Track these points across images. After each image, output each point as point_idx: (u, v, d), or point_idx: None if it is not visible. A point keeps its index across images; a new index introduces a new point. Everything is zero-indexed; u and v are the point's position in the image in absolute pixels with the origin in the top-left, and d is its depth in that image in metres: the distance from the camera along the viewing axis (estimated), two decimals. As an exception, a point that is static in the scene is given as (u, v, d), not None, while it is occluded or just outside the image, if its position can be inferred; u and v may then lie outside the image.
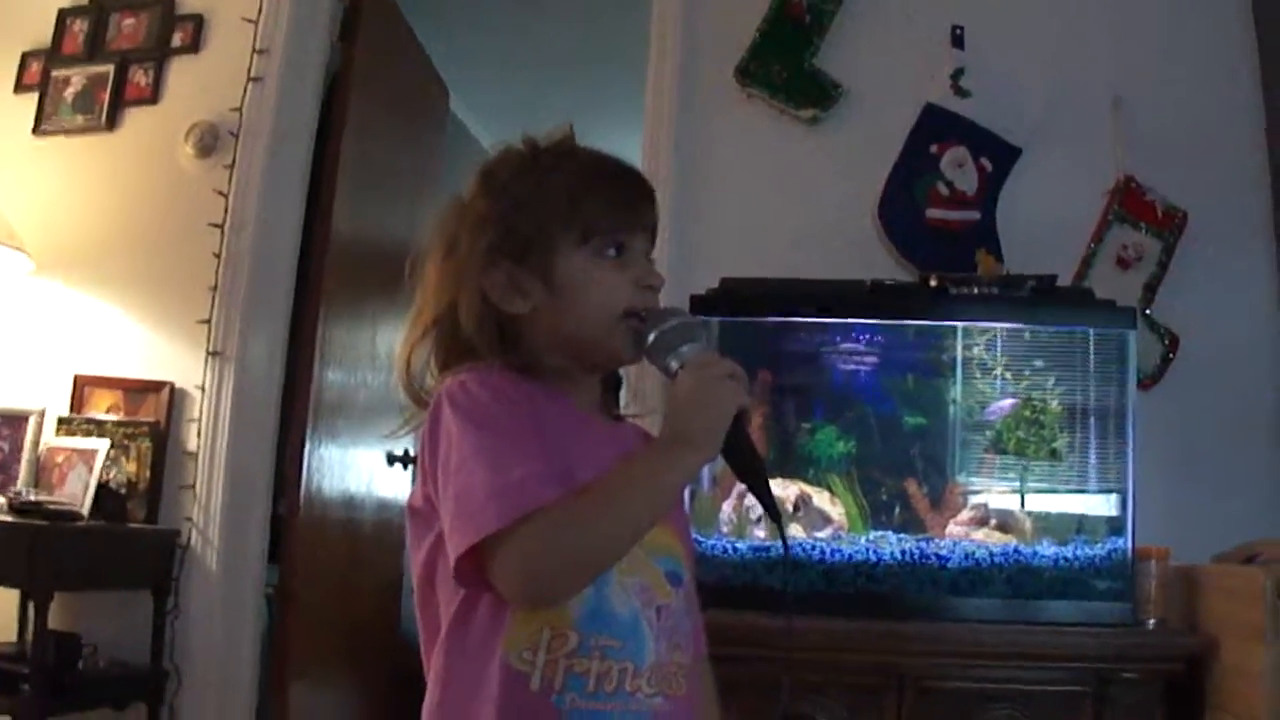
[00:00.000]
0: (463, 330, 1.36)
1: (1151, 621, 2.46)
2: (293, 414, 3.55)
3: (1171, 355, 2.91)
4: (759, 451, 1.34)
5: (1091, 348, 2.61)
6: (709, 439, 1.26)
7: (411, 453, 4.07)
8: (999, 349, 2.64)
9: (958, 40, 3.10)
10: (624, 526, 1.24)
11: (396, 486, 4.12)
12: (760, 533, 2.59)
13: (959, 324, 2.65)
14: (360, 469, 3.93)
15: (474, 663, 1.27)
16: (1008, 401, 2.62)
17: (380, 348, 3.99)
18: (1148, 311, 2.93)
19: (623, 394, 1.52)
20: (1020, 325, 2.63)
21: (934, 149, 3.05)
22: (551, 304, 1.36)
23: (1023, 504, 2.62)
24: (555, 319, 1.36)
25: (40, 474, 3.30)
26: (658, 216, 1.44)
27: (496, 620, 1.26)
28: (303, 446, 3.51)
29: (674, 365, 1.32)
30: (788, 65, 3.19)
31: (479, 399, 1.29)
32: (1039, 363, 2.63)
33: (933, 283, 2.68)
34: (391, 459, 4.05)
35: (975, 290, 2.65)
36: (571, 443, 1.32)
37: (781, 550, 1.45)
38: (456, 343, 1.38)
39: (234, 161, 3.52)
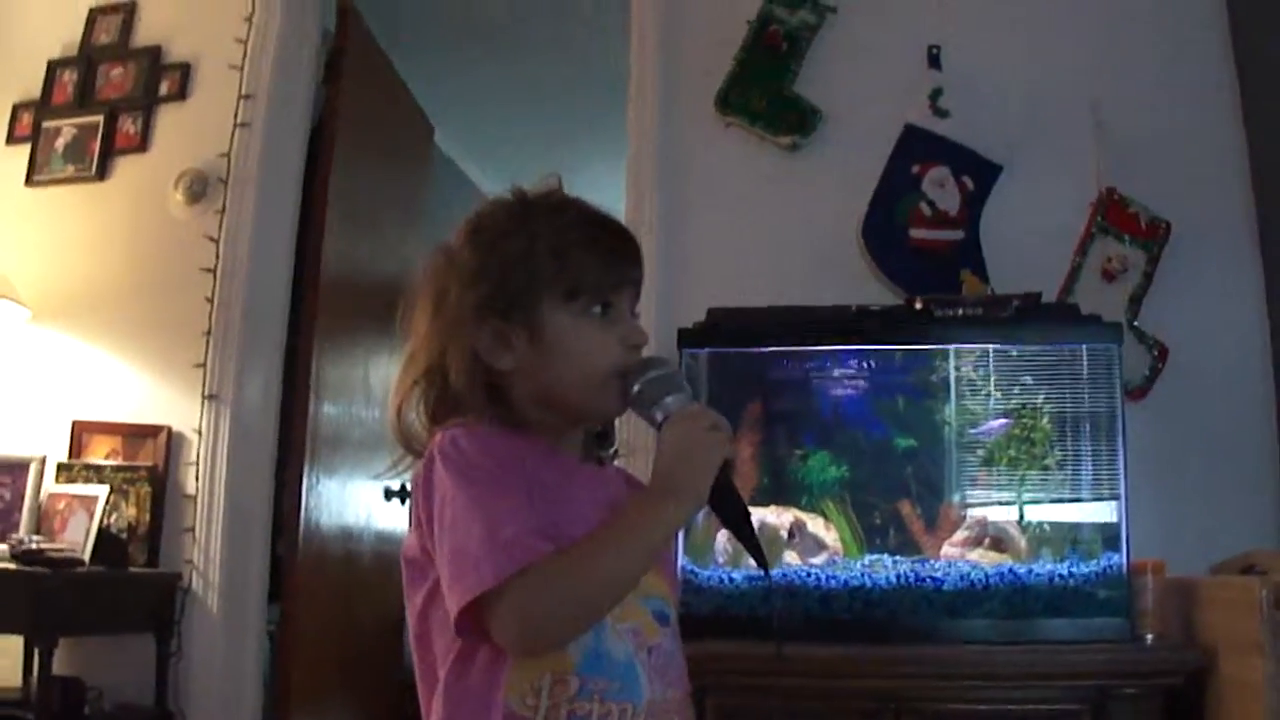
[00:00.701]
0: (451, 383, 1.37)
1: (1149, 636, 2.45)
2: (290, 451, 3.57)
3: (1160, 366, 2.91)
4: (744, 501, 1.35)
5: (1079, 363, 2.61)
6: (695, 491, 1.28)
7: (408, 487, 4.07)
8: (987, 369, 2.65)
9: (934, 60, 3.11)
10: (615, 578, 1.26)
11: (394, 519, 4.13)
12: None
13: (946, 346, 2.66)
14: (358, 503, 3.95)
15: (475, 708, 1.28)
16: (999, 422, 2.62)
17: (374, 382, 4.00)
18: (1134, 323, 2.92)
19: (615, 436, 1.53)
20: (1007, 344, 2.63)
21: (915, 170, 3.06)
22: (537, 360, 1.36)
23: (1018, 522, 2.62)
24: (541, 375, 1.37)
25: (41, 521, 3.32)
26: (643, 273, 1.45)
27: (496, 666, 1.27)
28: (300, 482, 3.52)
29: (659, 416, 1.34)
30: (767, 92, 3.20)
31: (469, 455, 1.30)
32: (1028, 380, 2.64)
33: (918, 306, 2.69)
34: (389, 494, 4.06)
35: (960, 312, 2.66)
36: (560, 491, 1.33)
37: (771, 585, 1.45)
38: (445, 394, 1.38)
39: (224, 207, 3.56)
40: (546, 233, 1.39)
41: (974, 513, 2.64)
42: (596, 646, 1.28)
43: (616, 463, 1.53)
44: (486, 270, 1.38)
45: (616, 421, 1.50)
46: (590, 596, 1.25)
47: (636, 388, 1.35)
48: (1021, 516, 2.62)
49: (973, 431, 2.65)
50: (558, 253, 1.38)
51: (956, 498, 2.66)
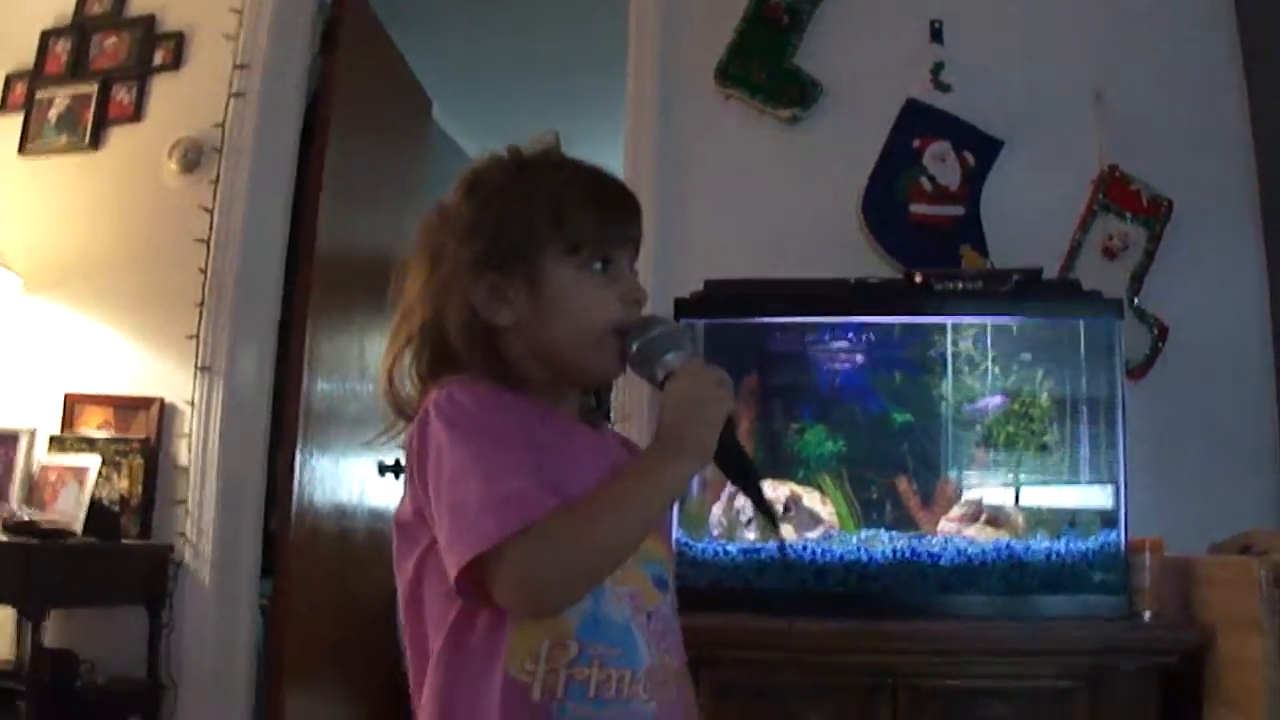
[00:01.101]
0: (448, 340, 1.35)
1: (1147, 614, 2.44)
2: (283, 426, 3.56)
3: (1161, 345, 2.89)
4: (749, 457, 1.34)
5: (1079, 340, 2.60)
6: (702, 446, 1.27)
7: (402, 462, 4.05)
8: (986, 344, 2.63)
9: (936, 35, 3.09)
10: (621, 535, 1.24)
11: (388, 496, 4.12)
12: (750, 535, 2.58)
13: (944, 320, 2.65)
14: (352, 479, 3.93)
15: (474, 675, 1.26)
16: (996, 399, 2.61)
17: (369, 358, 3.98)
18: (1135, 301, 2.91)
19: (612, 402, 1.51)
20: (1006, 319, 2.62)
21: (916, 144, 3.04)
22: (536, 315, 1.35)
23: (1015, 499, 2.61)
24: (539, 330, 1.35)
25: (33, 492, 3.30)
26: (642, 231, 1.44)
27: (495, 632, 1.26)
28: (294, 458, 3.50)
29: (660, 374, 1.32)
30: (767, 65, 3.18)
31: (467, 410, 1.28)
32: (1026, 356, 2.63)
33: (917, 279, 2.67)
34: (383, 469, 4.04)
35: (960, 285, 2.64)
36: (558, 451, 1.31)
37: (777, 551, 1.45)
38: (441, 352, 1.37)
39: (218, 177, 3.53)
40: (546, 187, 1.38)
41: (971, 488, 2.63)
42: (595, 611, 1.27)
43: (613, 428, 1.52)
44: (483, 225, 1.36)
45: (613, 386, 1.49)
46: (595, 556, 1.23)
47: (636, 346, 1.33)
48: (1019, 493, 2.61)
49: (969, 408, 2.63)
50: (557, 207, 1.36)
51: (954, 474, 2.65)
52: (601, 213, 1.38)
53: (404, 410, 1.40)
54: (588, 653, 1.26)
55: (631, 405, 2.72)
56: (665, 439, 1.28)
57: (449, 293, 1.35)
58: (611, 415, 1.52)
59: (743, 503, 2.58)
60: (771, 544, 2.53)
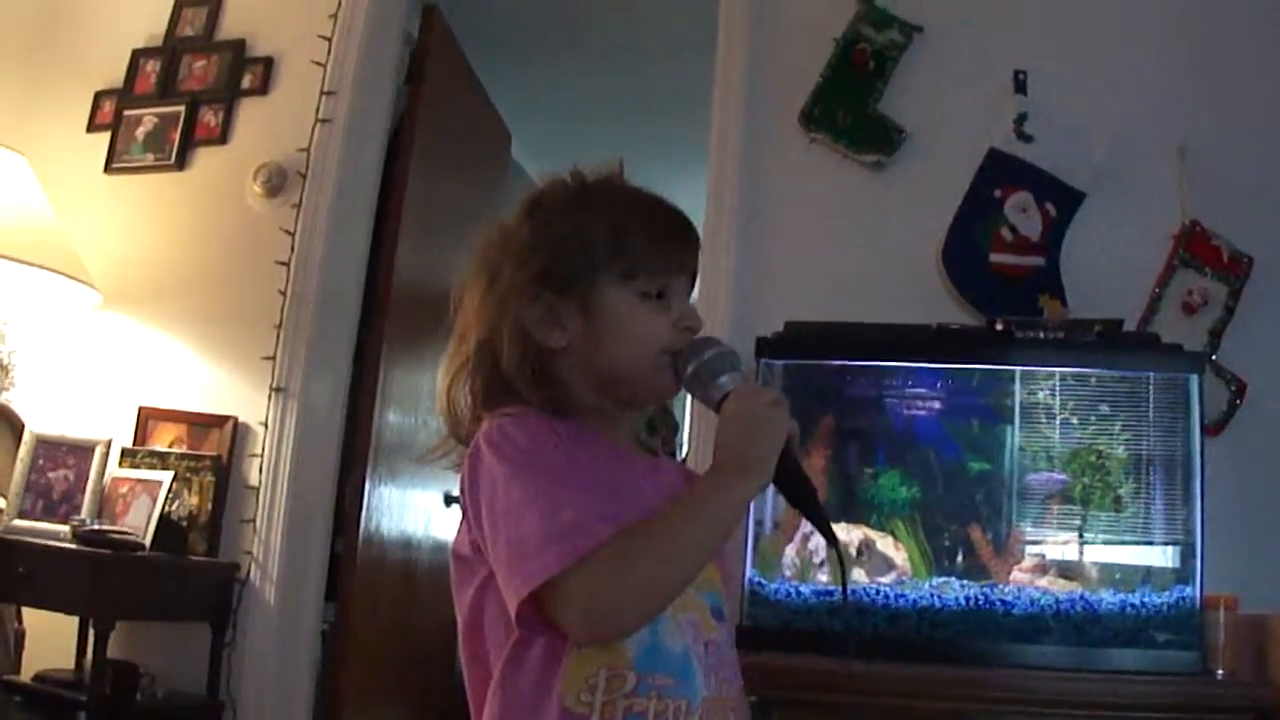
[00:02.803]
0: (501, 362, 1.36)
1: (1220, 672, 2.42)
2: (354, 453, 3.58)
3: (1238, 401, 2.87)
4: (809, 477, 1.34)
5: (1158, 393, 2.58)
6: (763, 465, 1.27)
7: (466, 493, 4.07)
8: (1064, 394, 2.62)
9: (1020, 85, 3.09)
10: (685, 558, 1.25)
11: (452, 528, 4.12)
12: (823, 576, 2.58)
13: (1024, 369, 2.64)
14: (418, 510, 3.95)
15: (529, 705, 1.26)
16: (1056, 476, 2.59)
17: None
18: (1213, 357, 2.89)
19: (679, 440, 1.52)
20: (1086, 370, 2.61)
21: (998, 193, 3.03)
22: (590, 339, 1.35)
23: (1088, 551, 2.59)
24: (592, 354, 1.35)
25: (104, 504, 3.32)
26: (698, 263, 1.44)
27: (551, 662, 1.25)
28: (363, 485, 3.53)
29: (716, 396, 1.33)
30: (851, 110, 3.19)
31: (520, 444, 1.29)
32: (1104, 408, 2.61)
33: (998, 327, 2.67)
34: (449, 499, 4.06)
35: (1041, 334, 2.64)
36: (612, 478, 1.32)
37: (841, 589, 1.43)
38: (495, 374, 1.37)
39: (301, 201, 3.57)
40: (606, 212, 1.39)
41: (1044, 539, 2.61)
42: (654, 641, 1.26)
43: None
44: (542, 246, 1.37)
45: (678, 427, 1.49)
46: (660, 579, 1.23)
47: (691, 368, 1.34)
48: (1093, 545, 2.59)
49: (1031, 478, 2.61)
50: (616, 232, 1.37)
51: (1027, 524, 2.63)
52: (660, 240, 1.38)
53: (458, 430, 1.41)
54: (646, 683, 1.25)
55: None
56: (724, 460, 1.29)
57: (504, 313, 1.36)
58: (678, 451, 1.52)
59: (817, 543, 2.58)
60: (835, 589, 2.53)
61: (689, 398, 1.40)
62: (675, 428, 1.54)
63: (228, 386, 3.53)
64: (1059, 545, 2.60)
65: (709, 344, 1.37)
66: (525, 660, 1.27)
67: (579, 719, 1.23)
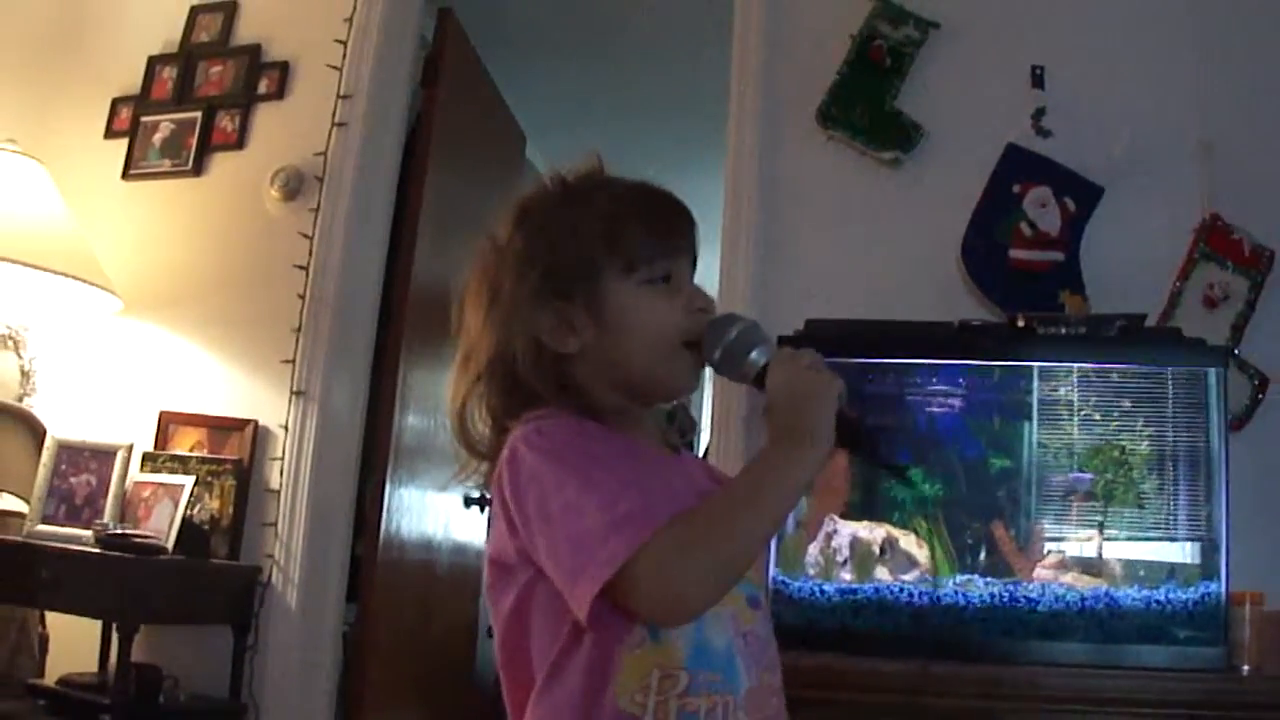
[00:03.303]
0: (519, 375, 1.35)
1: (1245, 668, 2.40)
2: (374, 455, 3.59)
3: (1261, 396, 2.86)
4: (867, 426, 1.32)
5: (1180, 388, 2.57)
6: (820, 430, 1.26)
7: (487, 495, 4.08)
8: (1086, 390, 2.61)
9: (1038, 80, 3.08)
10: (751, 534, 1.23)
11: (472, 531, 4.14)
12: (847, 575, 2.57)
13: (1046, 365, 2.63)
14: (438, 512, 3.96)
15: (581, 708, 1.25)
16: (1084, 475, 2.58)
17: (459, 393, 4.01)
18: (1235, 351, 2.87)
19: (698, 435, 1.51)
20: (1108, 365, 2.60)
21: (1016, 189, 3.02)
22: (602, 338, 1.35)
23: (1111, 548, 2.58)
24: (608, 352, 1.35)
25: (126, 508, 3.33)
26: (697, 242, 1.44)
27: (602, 664, 1.25)
28: (383, 488, 3.53)
29: (751, 372, 1.33)
30: (869, 107, 3.18)
31: (561, 440, 1.29)
32: (1127, 404, 2.60)
33: (1020, 323, 2.66)
34: (469, 501, 4.06)
35: (1063, 330, 2.63)
36: (650, 477, 1.31)
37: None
38: (511, 387, 1.36)
39: (318, 205, 3.57)
40: (595, 209, 1.38)
41: (1068, 536, 2.60)
42: (700, 638, 1.26)
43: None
44: (538, 253, 1.37)
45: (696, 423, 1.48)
46: (727, 557, 1.22)
47: (719, 353, 1.34)
48: (1117, 541, 2.57)
49: (1056, 482, 2.60)
50: (609, 227, 1.36)
51: (1050, 520, 2.62)
52: (654, 226, 1.38)
53: (477, 450, 1.40)
54: (698, 681, 1.25)
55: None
56: (782, 432, 1.28)
57: (512, 327, 1.35)
58: (696, 445, 1.51)
59: (840, 542, 2.58)
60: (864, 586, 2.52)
61: (704, 394, 1.39)
62: (693, 424, 1.53)
63: (248, 390, 3.54)
64: (1082, 542, 2.58)
65: (729, 322, 1.36)
66: (574, 663, 1.26)
67: (632, 719, 1.24)
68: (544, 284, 1.35)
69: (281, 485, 3.43)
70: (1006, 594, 2.51)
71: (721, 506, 1.24)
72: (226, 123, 3.78)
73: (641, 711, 1.24)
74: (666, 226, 1.40)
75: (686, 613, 1.23)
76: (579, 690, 1.25)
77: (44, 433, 3.47)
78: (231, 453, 3.46)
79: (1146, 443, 2.57)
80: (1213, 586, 2.47)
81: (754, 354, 1.33)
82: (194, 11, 3.95)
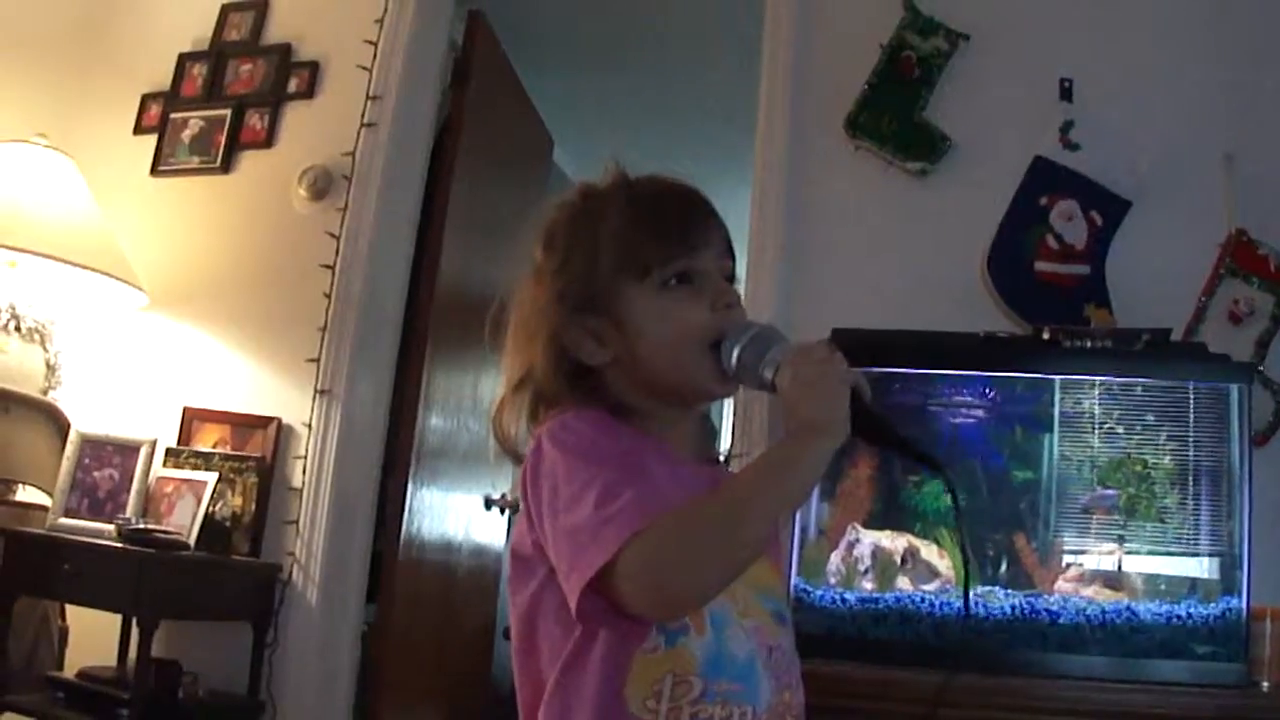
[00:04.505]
0: (554, 389, 1.37)
1: (1265, 684, 2.40)
2: (396, 455, 3.59)
3: (1285, 412, 2.86)
4: (887, 417, 1.29)
5: (1204, 403, 2.56)
6: (831, 419, 1.22)
7: (509, 497, 4.10)
8: (1110, 403, 2.61)
9: (1066, 93, 3.08)
10: (749, 526, 1.20)
11: (492, 533, 4.15)
12: (868, 584, 2.57)
13: (1070, 377, 2.62)
14: (459, 513, 3.97)
15: (592, 709, 1.25)
16: (1109, 492, 2.58)
17: (482, 394, 4.02)
18: (1260, 367, 2.87)
19: (724, 436, 1.50)
20: (1133, 379, 2.60)
21: (1043, 202, 3.02)
22: (629, 348, 1.35)
23: (1132, 562, 2.58)
24: (637, 361, 1.36)
25: (149, 503, 3.35)
26: (721, 230, 1.42)
27: (614, 666, 1.25)
28: (405, 487, 3.54)
29: (768, 375, 1.29)
30: (897, 117, 3.19)
31: (579, 432, 1.29)
32: (1150, 418, 2.60)
33: (1045, 335, 2.66)
34: (489, 503, 4.07)
35: (1088, 344, 2.63)
36: (666, 481, 1.30)
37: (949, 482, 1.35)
38: (549, 400, 1.38)
39: (346, 205, 3.59)
40: (607, 220, 1.39)
41: (1090, 549, 2.60)
42: (719, 647, 1.26)
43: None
44: (561, 272, 1.39)
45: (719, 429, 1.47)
46: (724, 548, 1.19)
47: (735, 359, 1.31)
48: (1138, 555, 2.57)
49: (1082, 500, 2.60)
50: (619, 235, 1.37)
51: (1072, 533, 2.62)
52: (663, 227, 1.38)
53: (519, 456, 1.40)
54: (712, 690, 1.25)
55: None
56: (798, 422, 1.24)
57: (544, 342, 1.37)
58: (730, 448, 1.51)
59: (862, 551, 2.58)
60: (885, 595, 2.52)
61: (727, 402, 1.39)
62: (714, 433, 1.53)
63: (272, 388, 3.55)
64: (1104, 555, 2.58)
65: (741, 328, 1.34)
66: (586, 663, 1.26)
67: None
68: (570, 301, 1.37)
69: (304, 483, 3.44)
70: (1027, 606, 2.50)
71: (717, 502, 1.23)
72: (256, 121, 3.80)
73: (654, 717, 1.24)
74: (676, 226, 1.39)
75: (675, 608, 1.22)
76: (592, 691, 1.25)
77: (68, 426, 3.50)
78: (254, 450, 3.48)
79: (1169, 457, 2.56)
80: (1233, 602, 2.46)
81: (770, 354, 1.30)
82: (225, 10, 3.97)
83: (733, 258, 1.43)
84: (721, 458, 1.51)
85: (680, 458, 1.40)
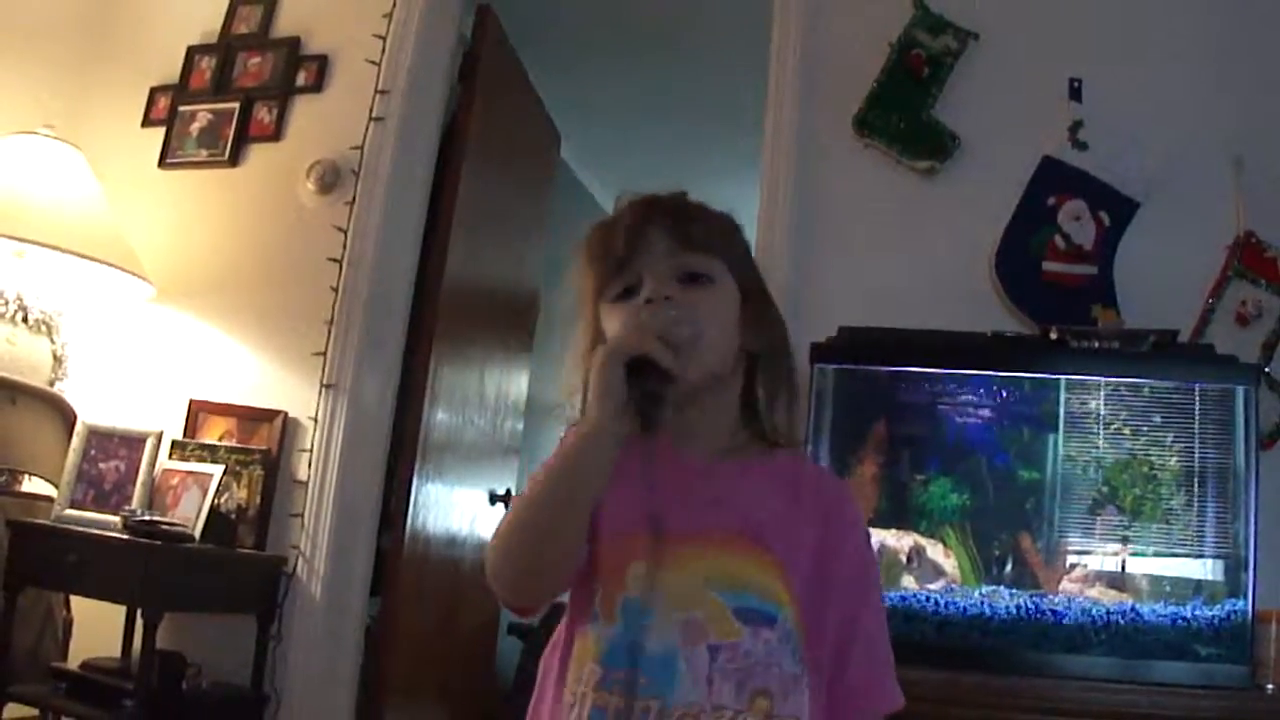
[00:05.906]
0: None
1: (1270, 686, 2.40)
2: (402, 450, 3.59)
3: (1292, 415, 2.85)
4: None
5: (1211, 405, 2.56)
6: (596, 419, 1.28)
7: (514, 491, 4.10)
8: (1117, 404, 2.61)
9: (1075, 93, 3.07)
10: (536, 517, 1.30)
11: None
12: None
13: (1077, 377, 2.62)
14: (464, 508, 3.97)
15: (543, 686, 1.37)
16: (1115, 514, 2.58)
17: (488, 389, 4.02)
18: (1267, 370, 2.86)
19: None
20: (1141, 380, 2.59)
21: (1051, 201, 3.02)
22: None
23: (1137, 563, 2.57)
24: None
25: (154, 496, 3.35)
26: (667, 232, 1.42)
27: (566, 644, 1.35)
28: (411, 482, 3.54)
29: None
30: (905, 116, 3.19)
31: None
32: (1157, 419, 2.60)
33: (1053, 335, 2.66)
34: (494, 498, 4.07)
35: (1095, 344, 2.63)
36: (656, 482, 1.31)
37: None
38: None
39: (354, 199, 3.60)
40: (582, 250, 1.48)
41: (1095, 550, 2.60)
42: (629, 637, 1.27)
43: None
44: (575, 308, 1.48)
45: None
46: (517, 539, 1.30)
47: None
48: (1143, 557, 2.57)
49: (1083, 496, 2.60)
50: (585, 263, 1.46)
51: (1077, 534, 2.61)
52: (606, 243, 1.43)
53: None
54: (609, 678, 1.27)
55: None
56: None
57: (577, 359, 1.45)
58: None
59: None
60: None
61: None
62: (747, 422, 1.51)
63: (278, 381, 3.56)
64: (1109, 556, 2.58)
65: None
66: (553, 651, 1.37)
67: (567, 708, 1.29)
68: (586, 331, 1.46)
69: (309, 477, 3.44)
70: (1032, 606, 2.50)
71: (517, 502, 1.33)
72: (264, 114, 3.80)
73: (574, 700, 1.29)
74: (614, 237, 1.42)
75: (505, 596, 1.33)
76: (548, 671, 1.37)
77: (75, 418, 3.50)
78: (260, 443, 3.48)
79: (1175, 458, 2.56)
80: (1238, 604, 2.46)
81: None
82: (234, 3, 3.98)
83: (697, 250, 1.42)
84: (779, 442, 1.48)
85: (683, 456, 1.39)
